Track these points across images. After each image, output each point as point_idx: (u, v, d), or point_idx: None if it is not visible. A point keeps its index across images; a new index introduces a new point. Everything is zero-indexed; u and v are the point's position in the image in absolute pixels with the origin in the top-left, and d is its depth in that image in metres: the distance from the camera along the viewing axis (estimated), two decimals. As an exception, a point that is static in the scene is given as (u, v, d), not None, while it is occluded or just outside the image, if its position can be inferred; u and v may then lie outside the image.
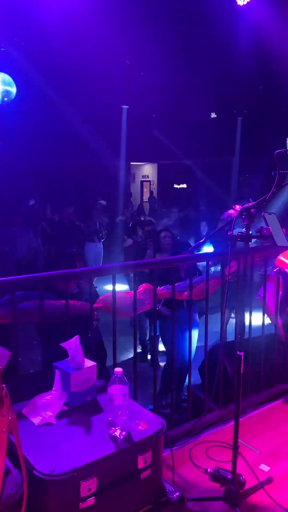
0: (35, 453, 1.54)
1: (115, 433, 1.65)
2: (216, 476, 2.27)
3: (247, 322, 2.96)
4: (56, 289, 2.91)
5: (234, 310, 4.82)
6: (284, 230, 2.20)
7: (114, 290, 2.51)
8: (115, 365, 2.44)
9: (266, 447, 2.67)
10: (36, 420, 1.74)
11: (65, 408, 1.82)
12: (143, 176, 20.30)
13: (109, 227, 9.36)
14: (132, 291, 2.63)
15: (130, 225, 7.52)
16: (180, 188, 18.93)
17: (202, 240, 2.60)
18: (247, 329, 2.98)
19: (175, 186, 18.97)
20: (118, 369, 1.69)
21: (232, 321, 5.30)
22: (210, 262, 2.95)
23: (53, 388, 1.86)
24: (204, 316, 2.91)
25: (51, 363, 1.91)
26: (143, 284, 2.91)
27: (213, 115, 16.52)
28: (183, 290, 3.00)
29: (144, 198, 19.13)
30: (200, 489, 2.32)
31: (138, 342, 5.30)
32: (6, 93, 9.78)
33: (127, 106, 14.58)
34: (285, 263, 1.82)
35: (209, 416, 2.90)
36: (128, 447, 1.61)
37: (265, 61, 10.27)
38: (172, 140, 15.98)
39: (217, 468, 2.29)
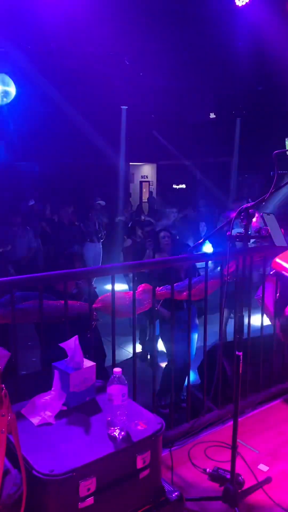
0: (34, 453, 1.54)
1: (114, 433, 1.65)
2: (215, 476, 2.27)
3: (246, 322, 2.97)
4: (55, 289, 2.91)
5: (233, 310, 4.83)
6: (282, 231, 2.21)
7: (113, 290, 2.51)
8: (114, 365, 2.45)
9: (265, 447, 2.68)
10: (35, 420, 1.75)
11: (64, 408, 1.82)
12: (142, 177, 20.31)
13: (109, 227, 9.36)
14: (131, 291, 2.63)
15: (129, 225, 7.53)
16: (179, 188, 18.96)
17: (201, 240, 2.60)
18: (246, 329, 2.98)
19: (174, 186, 18.99)
20: (117, 369, 1.70)
21: (232, 321, 5.31)
22: (212, 262, 2.96)
23: (52, 388, 1.86)
24: (204, 316, 2.92)
25: (51, 363, 1.91)
26: (142, 285, 2.92)
27: (212, 115, 16.54)
28: (182, 290, 3.00)
29: (143, 198, 19.15)
30: (199, 489, 2.33)
31: (138, 342, 5.35)
32: (5, 93, 9.77)
33: (126, 107, 14.59)
34: (281, 265, 1.82)
35: (208, 416, 2.91)
36: (127, 447, 1.62)
37: (264, 62, 10.27)
38: (171, 141, 16.01)
39: (216, 468, 2.30)
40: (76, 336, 1.90)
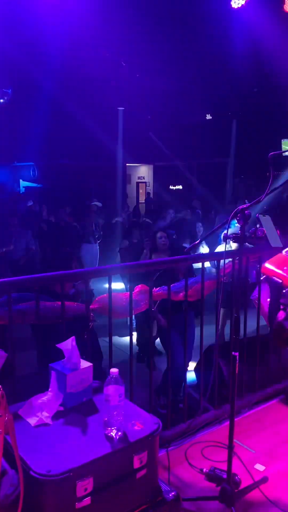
0: (31, 454, 1.55)
1: (111, 433, 1.66)
2: (212, 476, 2.28)
3: (242, 323, 2.98)
4: (52, 290, 2.91)
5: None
6: (278, 232, 2.22)
7: (110, 291, 2.52)
8: (111, 365, 2.45)
9: (261, 446, 2.69)
10: (33, 421, 1.75)
11: (61, 408, 1.83)
12: (139, 178, 20.33)
13: (105, 228, 9.37)
14: (128, 292, 2.64)
15: (127, 226, 7.54)
16: (175, 189, 18.99)
17: (198, 241, 2.62)
18: (242, 330, 2.99)
19: (171, 187, 19.03)
20: (113, 370, 1.70)
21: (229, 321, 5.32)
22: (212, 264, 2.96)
23: (49, 389, 1.87)
24: (200, 317, 2.93)
25: (47, 364, 1.92)
26: (139, 285, 2.92)
27: (209, 117, 16.59)
28: (178, 291, 3.01)
29: (140, 199, 19.16)
30: (195, 488, 2.34)
31: (136, 343, 5.34)
32: (3, 94, 9.78)
33: (123, 108, 14.61)
34: (271, 270, 1.82)
35: (204, 416, 2.92)
36: (124, 447, 1.62)
37: (259, 63, 10.33)
38: (167, 142, 16.04)
39: (212, 468, 2.31)
40: (73, 337, 1.90)
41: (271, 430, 2.87)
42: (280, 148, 13.77)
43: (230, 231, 2.16)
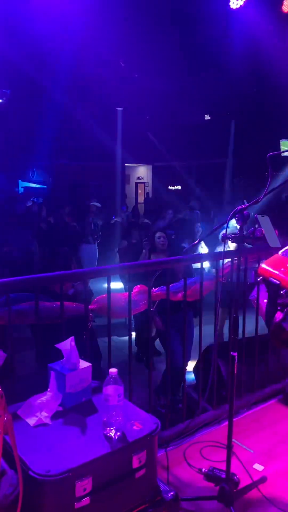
0: (30, 454, 1.55)
1: (110, 433, 1.66)
2: (211, 476, 2.28)
3: (241, 323, 2.99)
4: (51, 291, 2.91)
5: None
6: (276, 232, 2.23)
7: (109, 292, 2.52)
8: (110, 365, 2.46)
9: (259, 446, 2.70)
10: (32, 421, 1.75)
11: (60, 409, 1.83)
12: (137, 178, 20.34)
13: (104, 228, 9.38)
14: (127, 293, 2.64)
15: (126, 226, 7.54)
16: (174, 189, 19.00)
17: (196, 241, 2.62)
18: (240, 330, 3.00)
19: (170, 187, 19.04)
20: (113, 370, 1.71)
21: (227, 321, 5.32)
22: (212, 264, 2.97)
23: (49, 389, 1.87)
24: (199, 317, 2.94)
25: (46, 364, 1.92)
26: (138, 286, 2.92)
27: (207, 117, 16.60)
28: (177, 291, 3.01)
29: (139, 199, 19.18)
30: (194, 488, 2.34)
31: (135, 343, 5.34)
32: (1, 94, 9.78)
33: (122, 108, 14.62)
34: (268, 271, 1.82)
35: (203, 416, 2.92)
36: (123, 447, 1.63)
37: (258, 64, 10.34)
38: (166, 142, 16.05)
39: (211, 468, 2.31)
40: (72, 337, 1.90)
41: (269, 430, 2.87)
42: (279, 148, 13.77)
43: (229, 231, 2.17)
